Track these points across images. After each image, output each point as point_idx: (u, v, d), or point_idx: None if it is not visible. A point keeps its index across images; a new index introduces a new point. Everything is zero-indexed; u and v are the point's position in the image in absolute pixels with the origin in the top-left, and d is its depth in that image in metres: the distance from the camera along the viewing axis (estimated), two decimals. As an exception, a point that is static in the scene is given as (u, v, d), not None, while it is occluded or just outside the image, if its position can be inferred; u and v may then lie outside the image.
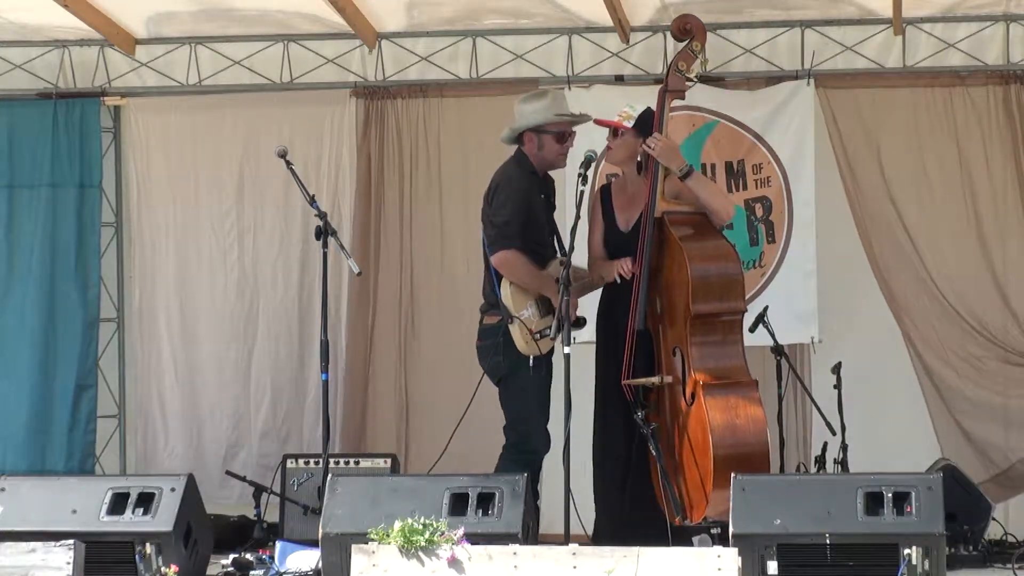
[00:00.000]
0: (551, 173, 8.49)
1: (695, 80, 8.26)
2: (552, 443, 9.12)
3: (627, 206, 8.23)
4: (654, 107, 8.33)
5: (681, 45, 8.24)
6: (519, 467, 7.89)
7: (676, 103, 8.30)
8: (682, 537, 7.67)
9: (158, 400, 10.18)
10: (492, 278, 8.18)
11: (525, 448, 8.15)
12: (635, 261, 8.01)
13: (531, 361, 8.10)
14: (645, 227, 8.00)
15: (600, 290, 8.37)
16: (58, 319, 10.08)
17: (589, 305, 8.55)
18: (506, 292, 8.11)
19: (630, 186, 8.26)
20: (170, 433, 10.14)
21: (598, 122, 8.31)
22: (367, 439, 9.89)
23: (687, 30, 8.21)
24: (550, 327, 8.08)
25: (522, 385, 8.14)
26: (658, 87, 9.56)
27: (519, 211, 8.13)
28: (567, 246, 7.78)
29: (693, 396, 7.76)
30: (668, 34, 9.68)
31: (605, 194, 8.37)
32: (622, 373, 7.94)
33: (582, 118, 8.42)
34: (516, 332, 8.08)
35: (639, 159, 8.17)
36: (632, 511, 8.03)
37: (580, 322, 8.25)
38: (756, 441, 7.75)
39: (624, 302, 8.04)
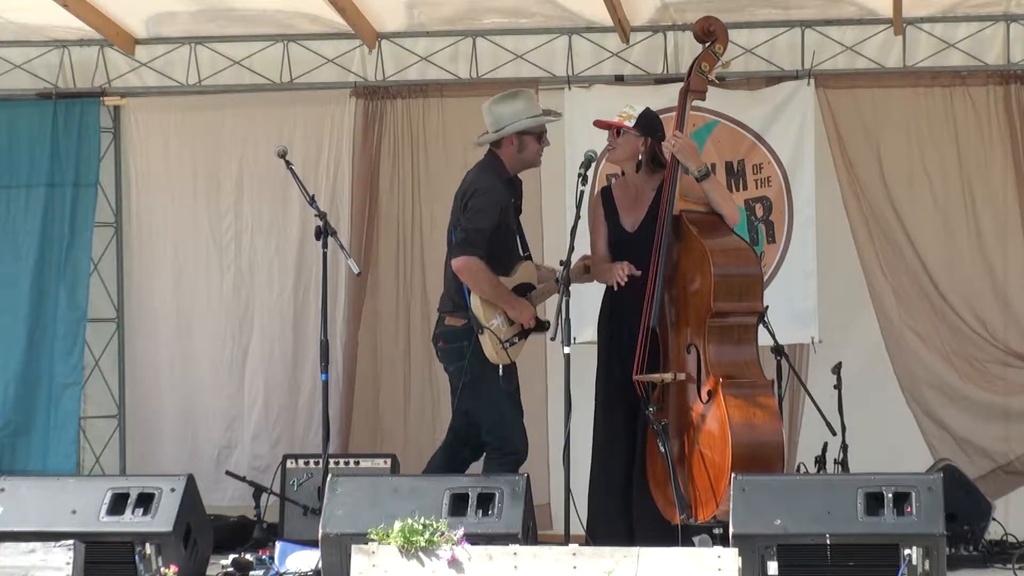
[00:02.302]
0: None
1: (716, 81, 8.28)
2: (552, 443, 9.14)
3: (632, 206, 8.22)
4: (653, 107, 8.35)
5: (703, 46, 8.23)
6: (506, 470, 7.96)
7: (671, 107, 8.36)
8: (683, 537, 7.66)
9: (153, 400, 10.17)
10: (461, 283, 8.20)
11: (508, 450, 8.17)
12: (638, 261, 8.00)
13: (500, 370, 8.13)
14: (662, 224, 7.99)
15: (602, 292, 8.37)
16: (47, 317, 10.07)
17: (593, 305, 8.55)
18: (476, 302, 8.13)
19: (632, 186, 8.26)
20: (164, 433, 10.14)
21: (598, 124, 8.31)
22: (365, 440, 9.89)
23: (711, 32, 8.22)
24: (517, 335, 8.17)
25: (491, 389, 8.16)
26: (658, 87, 9.64)
27: (492, 222, 8.16)
28: (567, 246, 7.78)
29: (710, 394, 7.76)
30: (668, 34, 9.72)
31: (606, 196, 8.36)
32: (634, 369, 7.94)
33: (557, 115, 8.54)
34: (486, 341, 8.11)
35: (639, 158, 8.18)
36: (635, 511, 8.03)
37: (543, 326, 8.28)
38: (773, 441, 7.77)
39: (630, 303, 8.03)
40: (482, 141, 8.41)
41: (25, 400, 10.03)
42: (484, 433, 8.23)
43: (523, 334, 8.23)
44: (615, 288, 8.06)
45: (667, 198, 8.01)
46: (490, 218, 8.14)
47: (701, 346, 7.83)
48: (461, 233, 8.15)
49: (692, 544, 7.50)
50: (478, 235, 8.11)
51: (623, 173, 8.40)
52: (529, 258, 8.39)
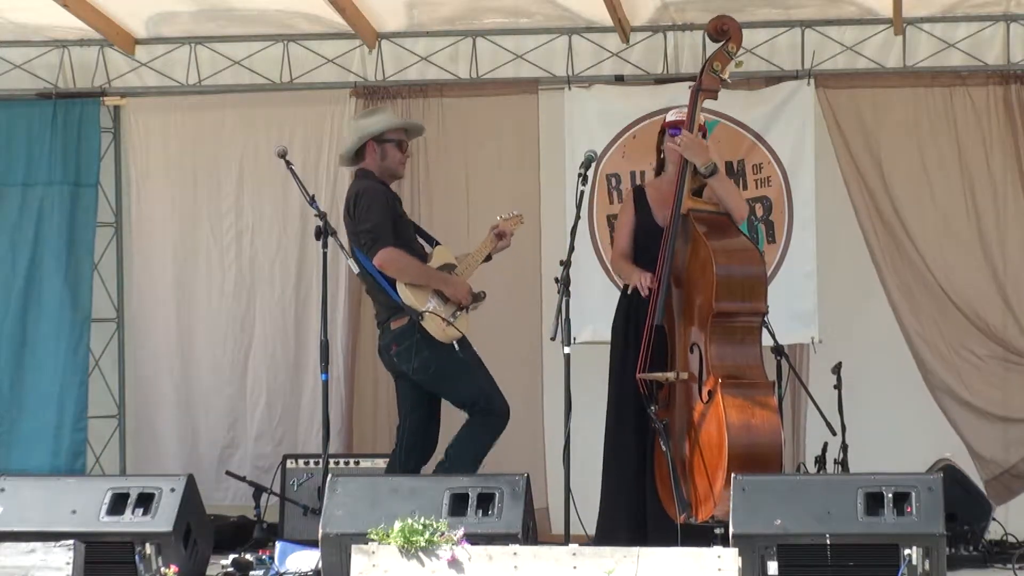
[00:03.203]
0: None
1: (728, 81, 8.26)
2: (549, 445, 9.11)
3: (664, 204, 8.23)
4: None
5: (717, 45, 8.23)
6: (490, 430, 8.15)
7: (680, 104, 8.33)
8: (693, 537, 7.65)
9: (155, 400, 10.16)
10: (384, 285, 8.26)
11: (493, 411, 8.26)
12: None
13: (456, 345, 8.24)
14: (670, 222, 8.01)
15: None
16: (46, 317, 10.07)
17: (593, 305, 8.54)
18: (404, 292, 8.23)
19: (666, 186, 8.26)
20: (166, 433, 10.12)
21: (675, 123, 8.23)
22: (366, 440, 9.89)
23: (724, 31, 8.21)
24: (458, 311, 8.28)
25: (457, 367, 8.25)
26: (658, 87, 9.64)
27: (385, 213, 8.29)
28: (567, 246, 7.78)
29: (711, 394, 7.76)
30: (668, 34, 9.72)
31: (639, 193, 8.40)
32: (637, 367, 7.95)
33: (418, 127, 8.73)
34: (431, 324, 8.20)
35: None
36: (646, 509, 8.05)
37: (479, 296, 8.41)
38: (771, 442, 7.74)
39: (647, 301, 8.03)
40: (344, 153, 8.60)
41: (23, 400, 10.03)
42: (470, 407, 8.28)
43: (464, 307, 8.34)
44: (642, 293, 8.06)
45: (674, 197, 8.02)
46: (382, 211, 8.28)
47: (703, 346, 7.83)
48: (365, 235, 8.27)
49: (695, 544, 7.47)
50: (381, 228, 8.24)
51: (658, 172, 8.38)
52: (439, 244, 8.54)
